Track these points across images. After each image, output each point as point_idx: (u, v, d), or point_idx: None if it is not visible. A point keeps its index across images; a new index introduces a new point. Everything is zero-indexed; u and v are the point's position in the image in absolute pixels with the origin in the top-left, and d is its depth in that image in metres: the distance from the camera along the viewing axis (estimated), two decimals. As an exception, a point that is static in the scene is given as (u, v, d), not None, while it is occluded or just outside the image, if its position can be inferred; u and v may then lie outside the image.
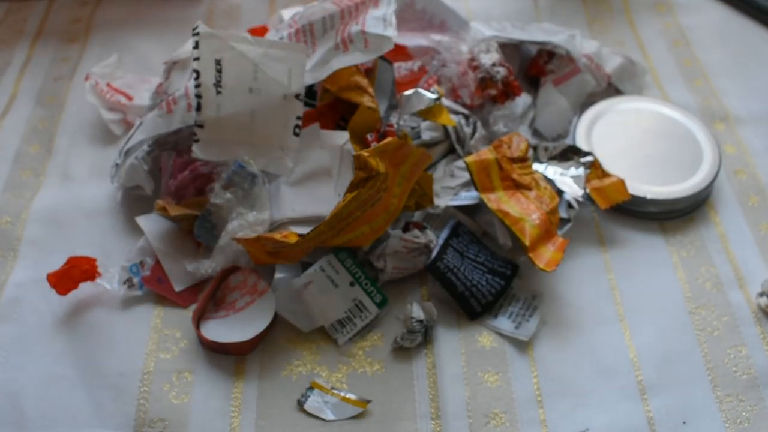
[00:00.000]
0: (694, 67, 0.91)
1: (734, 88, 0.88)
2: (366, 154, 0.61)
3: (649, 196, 0.74)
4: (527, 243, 0.66)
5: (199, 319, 0.66)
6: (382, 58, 0.73)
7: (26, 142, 0.82)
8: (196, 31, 0.68)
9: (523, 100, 0.79)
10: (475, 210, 0.72)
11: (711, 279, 0.71)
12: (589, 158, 0.74)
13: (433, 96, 0.69)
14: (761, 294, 0.69)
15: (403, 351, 0.65)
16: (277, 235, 0.63)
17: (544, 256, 0.66)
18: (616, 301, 0.69)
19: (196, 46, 0.68)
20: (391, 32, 0.69)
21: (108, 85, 0.83)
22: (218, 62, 0.68)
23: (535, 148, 0.76)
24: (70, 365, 0.64)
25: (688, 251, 0.73)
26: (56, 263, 0.67)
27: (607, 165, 0.74)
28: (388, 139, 0.63)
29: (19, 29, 0.95)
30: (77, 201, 0.76)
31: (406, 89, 0.75)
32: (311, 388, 0.62)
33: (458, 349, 0.65)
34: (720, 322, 0.68)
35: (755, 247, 0.73)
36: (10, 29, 0.94)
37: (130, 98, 0.82)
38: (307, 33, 0.73)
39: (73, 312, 0.67)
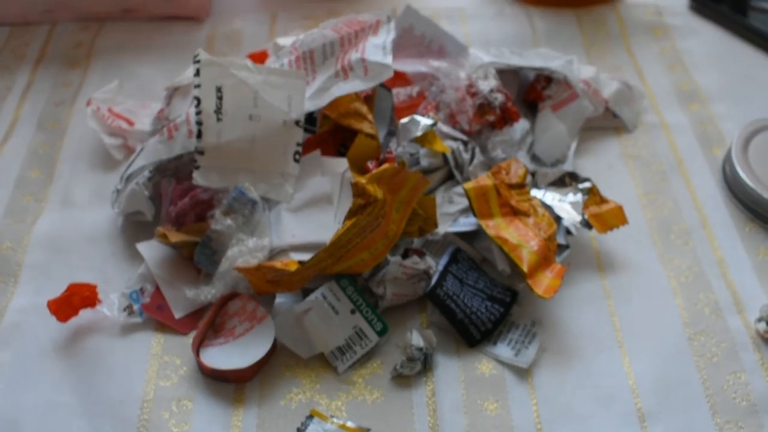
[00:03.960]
0: (690, 90, 0.92)
1: (731, 112, 0.89)
2: (363, 181, 0.62)
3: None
4: (525, 270, 0.66)
5: (198, 346, 0.66)
6: (381, 84, 0.74)
7: (27, 167, 0.82)
8: (197, 58, 0.69)
9: (521, 125, 0.80)
10: (474, 236, 0.72)
11: (709, 305, 0.71)
12: (587, 184, 0.75)
13: (429, 122, 0.70)
14: (760, 320, 0.69)
15: (402, 379, 0.65)
16: (278, 264, 0.63)
17: (543, 282, 0.66)
18: (615, 328, 0.69)
19: (197, 73, 0.68)
20: (390, 60, 0.70)
21: (109, 110, 0.83)
22: (219, 89, 0.69)
23: (533, 174, 0.77)
24: (69, 392, 0.64)
25: (686, 277, 0.73)
26: (57, 289, 0.67)
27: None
28: (385, 166, 0.63)
29: (21, 54, 0.95)
30: (78, 226, 0.76)
31: (405, 115, 0.76)
32: (311, 417, 0.62)
33: (458, 377, 0.65)
34: (719, 348, 0.68)
35: (753, 272, 0.74)
36: (12, 54, 0.95)
37: (131, 123, 0.83)
38: (308, 60, 0.73)
39: (73, 338, 0.68)
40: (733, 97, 0.91)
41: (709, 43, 0.98)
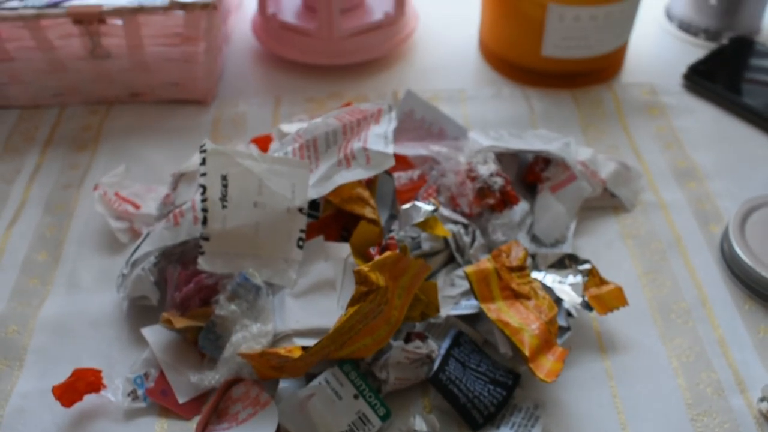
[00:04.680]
0: (687, 168, 0.93)
1: (727, 189, 0.90)
2: (366, 268, 0.63)
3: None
4: (527, 354, 0.67)
5: (202, 432, 0.66)
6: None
7: (34, 250, 0.83)
8: (203, 148, 0.70)
9: (521, 207, 0.81)
10: (476, 319, 0.72)
11: (711, 384, 0.71)
12: (586, 266, 0.76)
13: (430, 208, 0.71)
14: (762, 399, 0.69)
15: (406, 464, 0.65)
16: (282, 350, 0.64)
17: (545, 366, 0.67)
18: (617, 410, 0.69)
19: (203, 162, 0.70)
20: (392, 150, 0.71)
21: (116, 194, 0.84)
22: (224, 177, 0.70)
23: (533, 256, 0.78)
24: (73, 479, 0.64)
25: (687, 356, 0.74)
26: (61, 373, 0.68)
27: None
28: (387, 253, 0.64)
29: (30, 137, 0.97)
30: (83, 310, 0.77)
31: (407, 197, 0.77)
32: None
33: (461, 462, 0.66)
34: (722, 429, 0.68)
35: (754, 351, 0.74)
36: (21, 137, 0.97)
37: (137, 206, 0.84)
38: (311, 148, 0.75)
39: (77, 424, 0.68)
40: (729, 175, 0.92)
41: (705, 122, 1.00)
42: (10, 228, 0.86)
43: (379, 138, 0.73)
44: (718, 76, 1.04)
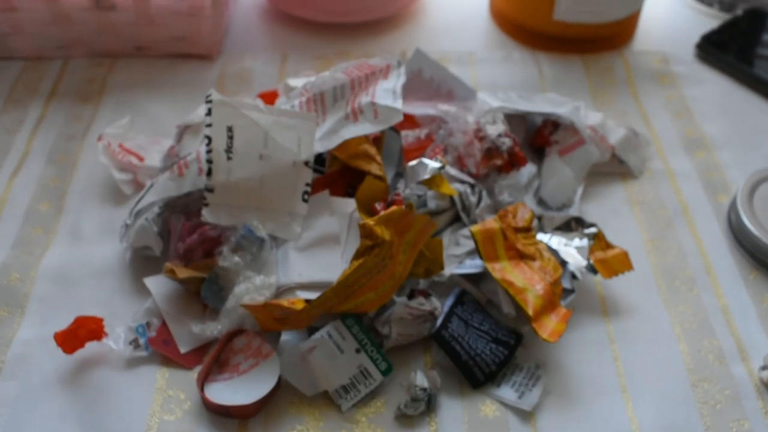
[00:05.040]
0: (696, 138, 0.92)
1: (736, 159, 0.90)
2: (371, 222, 0.62)
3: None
4: (531, 313, 0.66)
5: (203, 381, 0.66)
6: (390, 127, 0.75)
7: (37, 200, 0.83)
8: (209, 98, 0.69)
9: (528, 170, 0.80)
10: (480, 278, 0.72)
11: (713, 351, 0.71)
12: (592, 229, 0.75)
13: (437, 165, 0.71)
14: (763, 368, 0.69)
15: (406, 419, 0.65)
16: (285, 302, 0.64)
17: (548, 326, 0.67)
18: (618, 373, 0.69)
19: (209, 112, 0.69)
20: (400, 105, 0.71)
21: (120, 145, 0.84)
22: (230, 129, 0.69)
23: (539, 218, 0.77)
24: (74, 424, 0.64)
25: (690, 323, 0.73)
26: (63, 321, 0.68)
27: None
28: (393, 208, 0.64)
29: (33, 88, 0.96)
30: (86, 260, 0.77)
31: (414, 157, 0.77)
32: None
33: (461, 418, 0.65)
34: (722, 396, 0.68)
35: (757, 320, 0.74)
36: (24, 88, 0.96)
37: (141, 159, 0.83)
38: (318, 102, 0.74)
39: (78, 371, 0.68)
40: (738, 145, 0.91)
41: (716, 92, 0.99)
42: (13, 178, 0.85)
43: (388, 93, 0.72)
44: (730, 47, 1.03)
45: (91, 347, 0.68)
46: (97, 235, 0.79)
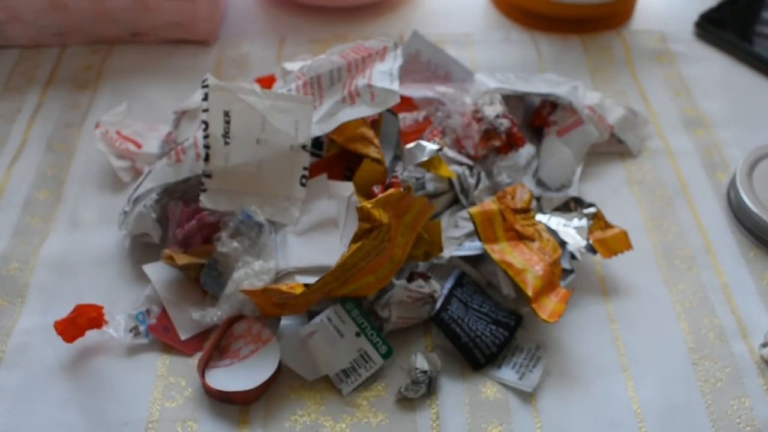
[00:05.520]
0: (695, 116, 0.92)
1: (735, 137, 0.89)
2: (369, 205, 0.62)
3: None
4: (530, 294, 0.66)
5: (204, 368, 0.66)
6: (387, 110, 0.74)
7: (35, 188, 0.83)
8: (205, 83, 0.69)
9: (527, 150, 0.80)
10: (479, 260, 0.72)
11: (714, 329, 0.71)
12: (591, 209, 0.75)
13: (435, 147, 0.70)
14: (764, 345, 0.69)
15: (407, 402, 0.65)
16: (284, 287, 0.64)
17: (547, 307, 0.67)
18: (619, 352, 0.69)
19: (206, 97, 0.69)
20: (397, 87, 0.70)
21: (117, 132, 0.84)
22: (227, 114, 0.69)
23: (538, 199, 0.77)
24: (75, 413, 0.64)
25: (690, 302, 0.73)
26: (63, 310, 0.68)
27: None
28: (391, 191, 0.64)
29: (30, 76, 0.96)
30: (85, 248, 0.77)
31: (411, 139, 0.76)
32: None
33: (462, 401, 0.66)
34: (723, 374, 0.68)
35: (758, 297, 0.74)
36: (22, 76, 0.96)
37: (139, 146, 0.83)
38: (315, 85, 0.74)
39: (79, 359, 0.68)
40: (737, 123, 0.91)
41: (714, 70, 0.99)
42: (11, 166, 0.85)
43: (384, 75, 0.72)
44: (729, 25, 1.02)
45: (91, 335, 0.68)
46: (96, 223, 0.79)
